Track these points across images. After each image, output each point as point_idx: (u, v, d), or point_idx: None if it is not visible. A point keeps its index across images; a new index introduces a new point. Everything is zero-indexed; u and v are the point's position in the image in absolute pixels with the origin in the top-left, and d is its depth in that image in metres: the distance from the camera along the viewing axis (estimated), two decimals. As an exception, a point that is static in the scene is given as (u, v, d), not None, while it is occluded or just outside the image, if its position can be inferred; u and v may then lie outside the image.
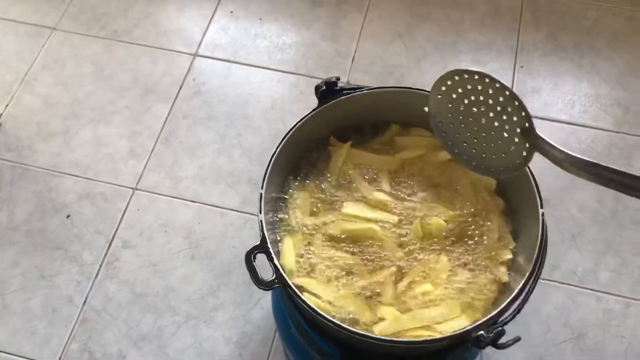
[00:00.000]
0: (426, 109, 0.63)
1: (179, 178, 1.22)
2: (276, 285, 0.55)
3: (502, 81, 0.55)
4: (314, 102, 0.68)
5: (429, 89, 0.65)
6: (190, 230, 1.16)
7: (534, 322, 1.05)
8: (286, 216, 0.66)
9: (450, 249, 0.64)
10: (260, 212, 0.59)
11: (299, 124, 0.65)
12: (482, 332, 0.51)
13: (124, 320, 1.07)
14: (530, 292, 0.55)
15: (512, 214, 0.66)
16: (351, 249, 0.64)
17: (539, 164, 1.28)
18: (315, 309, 0.54)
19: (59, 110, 1.31)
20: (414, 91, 0.67)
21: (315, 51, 1.39)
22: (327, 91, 0.66)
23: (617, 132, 1.27)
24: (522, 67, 1.36)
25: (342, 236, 0.64)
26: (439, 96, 0.61)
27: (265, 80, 1.35)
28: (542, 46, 1.39)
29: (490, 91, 0.56)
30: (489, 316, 0.52)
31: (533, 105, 1.30)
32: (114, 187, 1.21)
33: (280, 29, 1.43)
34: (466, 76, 0.57)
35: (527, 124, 0.56)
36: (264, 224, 0.59)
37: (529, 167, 0.61)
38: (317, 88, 0.66)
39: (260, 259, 0.59)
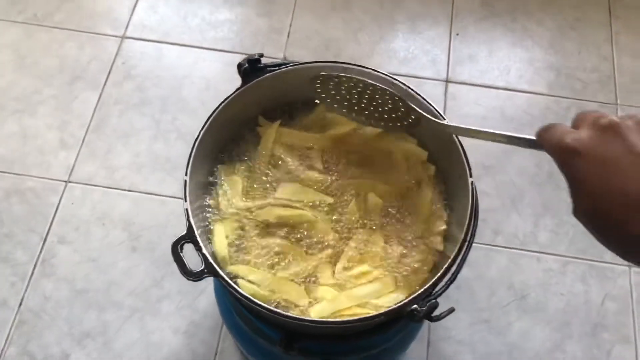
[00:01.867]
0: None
1: (114, 167, 1.17)
2: (205, 275, 0.53)
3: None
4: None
5: (365, 62, 0.64)
6: (129, 221, 1.12)
7: (479, 287, 1.07)
8: (215, 202, 0.64)
9: (385, 225, 0.63)
10: (186, 200, 0.57)
11: (222, 105, 0.62)
12: (415, 306, 0.51)
13: (64, 318, 1.03)
14: (462, 262, 0.55)
15: (446, 184, 0.66)
16: (286, 235, 0.62)
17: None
18: (247, 295, 0.53)
19: (-22, 103, 1.23)
20: (340, 65, 0.65)
21: (250, 28, 1.35)
22: (251, 69, 0.63)
23: (551, 96, 1.29)
24: (457, 34, 1.37)
25: (276, 222, 0.63)
26: (317, 86, 0.63)
27: (199, 60, 1.30)
28: (477, 13, 1.39)
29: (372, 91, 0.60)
30: (421, 290, 0.52)
31: (470, 73, 1.31)
32: (45, 181, 1.15)
33: (212, 5, 1.38)
34: (344, 78, 0.60)
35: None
36: (189, 212, 0.57)
37: (457, 137, 0.61)
38: (239, 66, 0.63)
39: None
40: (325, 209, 0.64)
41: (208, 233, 0.62)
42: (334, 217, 0.63)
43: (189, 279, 0.53)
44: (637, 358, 1.01)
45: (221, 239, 0.61)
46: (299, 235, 0.62)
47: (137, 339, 1.02)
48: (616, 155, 0.34)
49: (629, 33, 1.36)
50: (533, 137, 0.43)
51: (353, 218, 0.63)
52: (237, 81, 0.64)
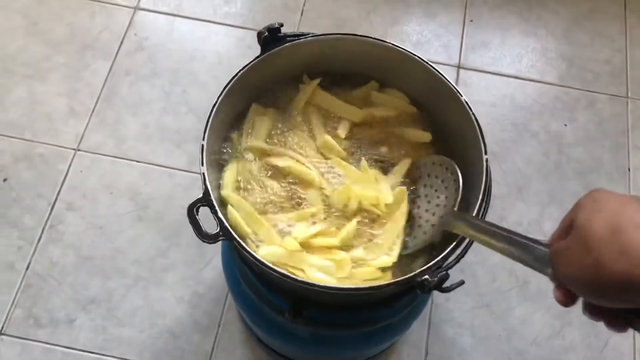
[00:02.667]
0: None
1: (123, 137, 1.17)
2: (221, 238, 0.54)
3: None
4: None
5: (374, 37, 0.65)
6: (137, 191, 1.12)
7: (482, 272, 1.08)
8: (238, 137, 0.67)
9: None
10: (202, 164, 0.57)
11: (242, 72, 0.62)
12: (426, 276, 0.51)
13: (70, 284, 1.04)
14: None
15: (458, 163, 0.66)
16: (286, 184, 0.65)
17: (486, 117, 1.29)
18: (260, 258, 0.53)
19: (-11, 67, 1.23)
20: (359, 38, 0.65)
21: (262, 4, 1.35)
22: (271, 38, 0.63)
23: (562, 86, 1.29)
24: (471, 20, 1.36)
25: (283, 170, 0.65)
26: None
27: (210, 34, 1.30)
28: (492, 0, 1.39)
29: (442, 179, 0.63)
30: (433, 261, 0.53)
31: (482, 60, 1.31)
32: (54, 148, 1.15)
33: (226, -19, 1.37)
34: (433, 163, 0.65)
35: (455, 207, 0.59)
36: (206, 177, 0.57)
37: (473, 114, 0.61)
38: (259, 34, 0.63)
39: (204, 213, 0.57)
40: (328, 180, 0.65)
41: (220, 179, 0.63)
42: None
43: (204, 241, 0.54)
44: (634, 347, 1.02)
45: (232, 174, 0.64)
46: (296, 189, 0.64)
47: (141, 307, 1.03)
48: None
49: (643, 27, 1.36)
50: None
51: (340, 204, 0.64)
52: (249, 57, 0.65)
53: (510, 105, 1.27)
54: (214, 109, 0.60)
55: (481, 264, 1.08)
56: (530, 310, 1.05)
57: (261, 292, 0.71)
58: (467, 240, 0.55)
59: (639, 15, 1.37)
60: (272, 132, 0.68)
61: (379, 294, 0.60)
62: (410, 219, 0.64)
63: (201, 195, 0.56)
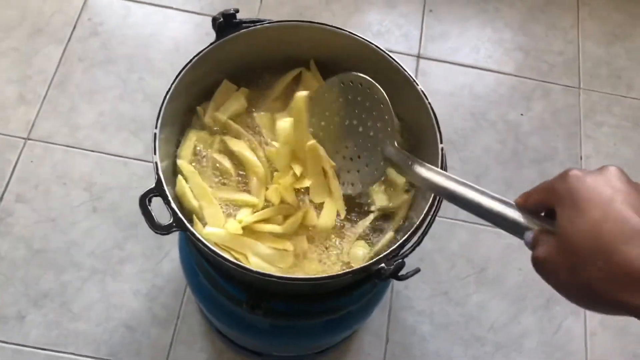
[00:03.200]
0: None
1: (76, 126, 1.13)
2: (173, 230, 0.53)
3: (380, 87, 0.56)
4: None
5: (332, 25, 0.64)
6: (91, 181, 1.09)
7: (440, 260, 1.09)
8: (202, 110, 0.66)
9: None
10: (155, 153, 0.56)
11: (195, 58, 0.61)
12: (383, 264, 0.52)
13: (20, 278, 1.01)
14: (429, 225, 0.56)
15: (415, 151, 0.67)
16: (235, 166, 0.65)
17: (445, 107, 1.30)
18: (215, 249, 0.52)
19: None
20: (317, 26, 0.64)
21: (222, -10, 1.32)
22: (226, 24, 0.62)
23: (518, 77, 1.32)
24: (431, 11, 1.37)
25: (235, 153, 0.65)
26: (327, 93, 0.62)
27: (167, 20, 1.26)
28: (451, -9, 1.40)
29: (367, 102, 0.58)
30: (389, 250, 0.53)
31: (441, 50, 1.32)
32: (3, 138, 1.11)
33: (184, -35, 1.34)
34: (351, 83, 0.59)
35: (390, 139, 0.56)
36: (159, 166, 0.55)
37: (429, 103, 0.61)
38: (214, 20, 0.62)
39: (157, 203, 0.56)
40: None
41: (173, 188, 0.61)
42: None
43: (157, 233, 0.53)
44: (585, 329, 1.06)
45: (190, 145, 0.64)
46: (244, 174, 0.64)
47: (97, 300, 1.00)
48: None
49: (594, 19, 1.40)
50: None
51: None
52: (207, 44, 0.63)
53: (469, 94, 1.28)
54: (167, 97, 0.59)
55: (439, 252, 1.10)
56: (488, 296, 1.07)
57: (218, 284, 0.70)
58: (422, 229, 0.56)
59: (590, 8, 1.41)
60: (239, 111, 0.67)
61: (336, 283, 0.60)
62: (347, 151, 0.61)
63: (154, 185, 0.55)
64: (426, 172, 0.52)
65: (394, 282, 1.03)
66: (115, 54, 1.21)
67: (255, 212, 0.61)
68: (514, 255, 1.11)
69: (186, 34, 1.25)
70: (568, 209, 0.38)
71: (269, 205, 0.62)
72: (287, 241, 0.61)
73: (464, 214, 0.53)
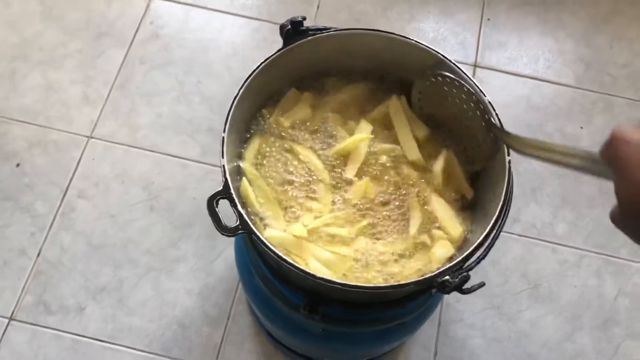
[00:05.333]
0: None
1: (136, 126, 1.17)
2: (240, 232, 0.54)
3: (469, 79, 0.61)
4: (277, 49, 0.65)
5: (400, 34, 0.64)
6: (149, 180, 1.12)
7: (494, 273, 1.07)
8: (269, 113, 0.67)
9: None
10: (223, 157, 0.57)
11: (264, 64, 0.61)
12: (447, 277, 0.51)
13: (81, 272, 1.04)
14: (495, 238, 0.55)
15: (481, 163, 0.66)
16: (305, 173, 0.65)
17: (501, 117, 1.28)
18: (281, 255, 0.53)
19: (4, 52, 1.23)
20: (382, 34, 0.64)
21: (279, -3, 1.34)
22: (293, 31, 0.63)
23: (579, 89, 1.28)
24: (489, 19, 1.35)
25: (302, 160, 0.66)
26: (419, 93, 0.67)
27: (226, 25, 1.29)
28: (510, 0, 1.38)
29: (463, 95, 0.62)
30: (453, 262, 0.52)
31: (498, 59, 1.30)
32: (68, 135, 1.15)
33: (243, -28, 1.36)
34: (439, 79, 0.63)
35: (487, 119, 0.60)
36: (226, 169, 0.56)
37: (498, 117, 0.61)
38: (282, 27, 0.63)
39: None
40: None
41: (239, 191, 0.62)
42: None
43: (223, 234, 0.53)
44: (645, 354, 1.02)
45: (254, 147, 0.66)
46: (310, 180, 0.65)
47: (151, 297, 1.03)
48: None
49: (663, 30, 1.34)
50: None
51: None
52: (264, 49, 0.65)
53: (526, 105, 1.26)
54: (235, 102, 0.60)
55: (493, 265, 1.07)
56: (541, 313, 1.04)
57: (275, 287, 0.71)
58: (487, 242, 0.55)
59: (659, 19, 1.35)
60: (303, 118, 0.68)
61: (395, 293, 0.60)
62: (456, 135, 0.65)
63: (221, 187, 0.56)
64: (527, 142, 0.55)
65: (446, 295, 1.02)
66: (175, 57, 1.25)
67: (319, 216, 0.61)
68: (570, 272, 1.08)
69: (244, 39, 1.27)
70: (617, 175, 0.37)
71: (335, 209, 0.63)
72: (346, 247, 0.61)
73: (518, 227, 0.53)
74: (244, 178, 0.63)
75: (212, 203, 0.55)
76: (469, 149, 0.65)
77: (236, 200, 0.55)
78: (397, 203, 0.64)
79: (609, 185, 1.22)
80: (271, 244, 0.54)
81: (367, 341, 0.77)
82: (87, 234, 1.07)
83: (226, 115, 0.59)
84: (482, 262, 1.08)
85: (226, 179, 0.56)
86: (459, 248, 0.60)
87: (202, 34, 1.28)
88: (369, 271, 0.60)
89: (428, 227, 0.62)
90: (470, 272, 0.53)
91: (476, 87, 0.60)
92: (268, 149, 0.66)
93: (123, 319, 1.01)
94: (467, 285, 0.52)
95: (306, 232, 0.60)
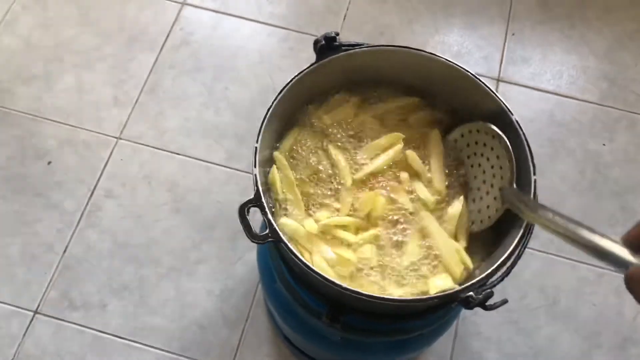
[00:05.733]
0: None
1: (163, 129, 1.20)
2: (269, 240, 0.55)
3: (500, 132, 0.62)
4: (304, 59, 0.67)
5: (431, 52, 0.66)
6: (175, 183, 1.14)
7: (511, 288, 1.08)
8: (313, 110, 0.69)
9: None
10: (255, 166, 0.59)
11: (297, 77, 0.63)
12: (471, 293, 0.52)
13: (105, 269, 1.07)
14: (519, 256, 0.56)
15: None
16: (332, 172, 0.67)
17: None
18: (308, 264, 0.55)
19: (40, 53, 1.27)
20: (413, 52, 0.66)
21: (306, 7, 1.36)
22: (326, 46, 0.64)
23: (602, 105, 1.28)
24: (513, 34, 1.36)
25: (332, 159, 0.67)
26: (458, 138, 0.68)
27: (254, 33, 1.31)
28: (535, 15, 1.38)
29: (492, 147, 0.63)
30: (478, 278, 0.53)
31: (522, 74, 1.31)
32: (97, 136, 1.18)
33: (272, -19, 1.39)
34: (477, 131, 0.65)
35: (510, 181, 0.61)
36: (258, 179, 0.58)
37: (524, 134, 0.62)
38: (315, 43, 0.64)
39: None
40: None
41: (269, 200, 0.64)
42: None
43: (253, 241, 0.55)
44: (662, 375, 1.01)
45: (292, 139, 0.68)
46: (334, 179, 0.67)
47: (172, 297, 1.05)
48: None
49: (689, 50, 1.34)
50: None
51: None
52: (290, 58, 0.67)
53: (548, 121, 1.26)
54: (269, 112, 0.62)
55: (511, 280, 1.07)
56: (559, 329, 1.04)
57: (297, 293, 0.72)
58: (512, 259, 0.56)
59: (686, 39, 1.35)
60: (345, 118, 0.70)
61: (419, 306, 0.61)
62: (469, 192, 0.66)
63: (252, 196, 0.58)
64: (545, 214, 0.55)
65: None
66: (203, 63, 1.27)
67: (334, 216, 0.63)
68: (589, 289, 1.08)
69: (271, 47, 1.29)
70: None
71: (352, 213, 0.64)
72: (352, 251, 0.63)
73: (537, 243, 0.54)
74: (274, 166, 0.65)
75: (243, 211, 0.56)
76: (474, 209, 0.65)
77: (267, 209, 0.57)
78: (403, 226, 0.65)
79: (630, 204, 1.22)
80: (282, 232, 0.57)
81: (386, 351, 0.79)
82: (112, 232, 1.10)
83: (259, 127, 0.61)
84: (500, 276, 1.09)
85: (257, 187, 0.58)
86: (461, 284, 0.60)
87: (230, 41, 1.30)
88: (370, 280, 0.61)
89: (430, 262, 0.63)
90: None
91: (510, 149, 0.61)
92: (304, 142, 0.68)
93: (144, 317, 1.04)
94: (489, 302, 0.53)
95: (316, 229, 0.62)
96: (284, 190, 0.65)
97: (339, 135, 0.69)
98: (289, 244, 0.55)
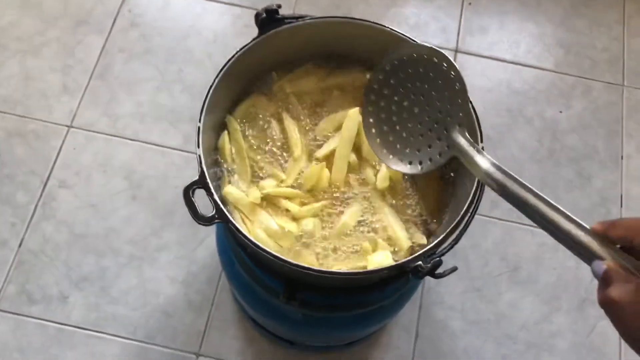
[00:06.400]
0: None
1: (116, 115, 1.16)
2: (216, 221, 0.54)
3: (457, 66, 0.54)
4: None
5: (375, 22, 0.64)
6: (131, 170, 1.12)
7: (473, 257, 1.09)
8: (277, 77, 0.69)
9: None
10: (198, 146, 0.57)
11: (238, 54, 0.62)
12: (420, 262, 0.52)
13: (63, 261, 1.04)
14: (467, 225, 0.56)
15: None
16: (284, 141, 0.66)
17: (481, 102, 1.29)
18: (257, 242, 0.54)
19: (-20, 41, 1.21)
20: (359, 22, 0.65)
21: (260, -17, 1.33)
22: (268, 19, 0.63)
23: (558, 73, 1.29)
24: (470, 4, 1.35)
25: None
26: (382, 75, 0.61)
27: (206, 12, 1.28)
28: (491, -16, 1.38)
29: (439, 80, 0.55)
30: (426, 247, 0.53)
31: (479, 45, 1.30)
32: (47, 125, 1.14)
33: (223, -43, 1.35)
34: (424, 56, 0.56)
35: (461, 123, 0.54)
36: (202, 158, 0.57)
37: (470, 102, 0.61)
38: (257, 16, 0.63)
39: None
40: None
41: (216, 180, 0.63)
42: None
43: (200, 224, 0.54)
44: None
45: (247, 105, 0.68)
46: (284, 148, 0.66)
47: (135, 286, 1.03)
48: None
49: (641, 15, 1.36)
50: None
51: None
52: (246, 36, 0.65)
53: (506, 90, 1.27)
54: (210, 91, 0.60)
55: (473, 249, 1.09)
56: (520, 295, 1.06)
57: (255, 273, 0.72)
58: (460, 227, 0.56)
59: (637, 4, 1.36)
60: (307, 90, 0.69)
61: (370, 278, 0.61)
62: (408, 124, 0.59)
63: (197, 177, 0.56)
64: (495, 170, 0.50)
65: (427, 278, 1.03)
66: (154, 45, 1.24)
67: (280, 186, 0.63)
68: (548, 255, 1.10)
69: (225, 26, 1.26)
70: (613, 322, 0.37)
71: (296, 186, 0.64)
72: (294, 223, 0.62)
73: (498, 211, 0.53)
74: (225, 131, 0.65)
75: (188, 193, 0.55)
76: (414, 147, 0.59)
77: (212, 190, 0.55)
78: (347, 202, 0.64)
79: (586, 170, 1.23)
80: (227, 200, 0.55)
81: (347, 325, 0.79)
82: (69, 223, 1.07)
83: (202, 104, 0.59)
84: (463, 245, 1.10)
85: (202, 168, 0.56)
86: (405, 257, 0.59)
87: (181, 22, 1.27)
88: (309, 252, 0.61)
89: (374, 235, 0.62)
90: (450, 256, 0.53)
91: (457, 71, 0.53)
92: (261, 110, 0.68)
93: (106, 307, 1.02)
94: (439, 270, 0.53)
95: (260, 199, 0.62)
96: (233, 157, 0.64)
97: (297, 106, 0.68)
98: (236, 224, 0.54)
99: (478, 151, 0.52)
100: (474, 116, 0.60)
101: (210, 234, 1.07)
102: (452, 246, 0.56)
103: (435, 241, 0.54)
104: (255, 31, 0.64)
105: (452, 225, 0.55)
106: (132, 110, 1.17)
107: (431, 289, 1.06)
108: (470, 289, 1.06)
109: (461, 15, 1.34)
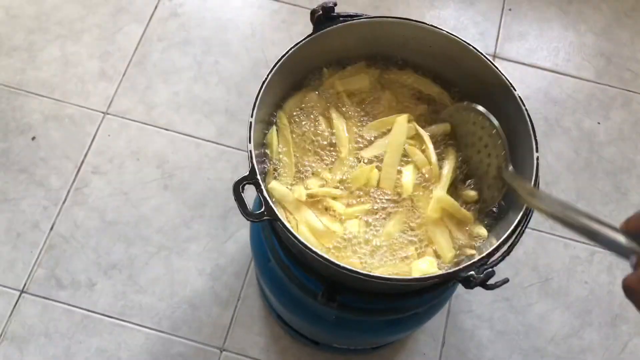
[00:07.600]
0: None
1: (152, 104, 1.16)
2: (265, 218, 0.54)
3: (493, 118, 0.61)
4: (296, 32, 0.65)
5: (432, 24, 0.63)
6: (164, 159, 1.12)
7: (504, 266, 1.06)
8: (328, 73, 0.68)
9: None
10: (250, 142, 0.57)
11: (293, 49, 0.61)
12: (472, 272, 0.51)
13: (93, 248, 1.05)
14: (520, 234, 0.55)
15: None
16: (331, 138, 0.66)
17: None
18: (305, 242, 0.53)
19: (22, 23, 1.22)
20: (413, 23, 0.64)
21: (300, -22, 1.32)
22: (324, 17, 0.62)
23: (598, 83, 1.27)
24: (510, 10, 1.33)
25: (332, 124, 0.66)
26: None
27: (245, 5, 1.27)
28: (532, -10, 1.36)
29: (482, 126, 0.63)
30: (479, 257, 0.52)
31: (518, 51, 1.28)
32: (83, 110, 1.15)
33: (264, -49, 1.34)
34: (472, 114, 0.63)
35: (504, 163, 0.60)
36: (253, 155, 0.56)
37: (526, 110, 0.60)
38: (313, 13, 0.62)
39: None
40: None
41: (264, 176, 0.62)
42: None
43: (248, 220, 0.53)
44: (652, 352, 1.02)
45: (298, 100, 0.67)
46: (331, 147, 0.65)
47: (162, 276, 1.03)
48: None
49: (686, 28, 1.32)
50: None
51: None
52: (283, 31, 0.64)
53: (544, 99, 1.25)
54: (264, 86, 0.59)
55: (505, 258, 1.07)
56: (550, 307, 1.04)
57: (291, 272, 0.71)
58: (513, 238, 0.55)
59: (684, 16, 1.33)
60: (359, 89, 0.68)
61: (417, 286, 0.60)
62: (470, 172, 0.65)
63: (247, 173, 0.55)
64: (541, 200, 0.53)
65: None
66: (193, 35, 1.23)
67: (324, 185, 0.62)
68: (581, 268, 1.08)
69: (263, 20, 1.26)
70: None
71: (340, 185, 0.63)
72: (338, 223, 0.61)
73: (532, 222, 0.53)
74: (273, 126, 0.64)
75: (238, 188, 0.54)
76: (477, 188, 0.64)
77: (262, 186, 0.55)
78: (393, 205, 0.63)
79: (624, 184, 1.21)
80: (270, 195, 0.55)
81: (380, 329, 0.78)
82: (100, 210, 1.07)
83: (254, 100, 0.59)
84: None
85: (253, 164, 0.56)
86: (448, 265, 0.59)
87: (220, 14, 1.26)
88: (353, 253, 0.60)
89: (422, 246, 0.61)
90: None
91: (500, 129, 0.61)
92: (309, 106, 0.67)
93: (133, 296, 1.02)
94: (491, 281, 0.52)
95: (304, 196, 0.61)
96: (280, 152, 0.63)
97: (347, 105, 0.67)
98: (286, 223, 0.54)
99: (522, 189, 0.57)
100: (530, 124, 0.59)
101: (240, 228, 1.06)
102: (504, 257, 0.55)
103: (487, 251, 0.53)
104: (291, 28, 0.64)
105: (506, 235, 0.54)
106: (168, 99, 1.17)
107: (460, 296, 1.05)
108: (499, 298, 1.05)
109: (501, 20, 1.32)
